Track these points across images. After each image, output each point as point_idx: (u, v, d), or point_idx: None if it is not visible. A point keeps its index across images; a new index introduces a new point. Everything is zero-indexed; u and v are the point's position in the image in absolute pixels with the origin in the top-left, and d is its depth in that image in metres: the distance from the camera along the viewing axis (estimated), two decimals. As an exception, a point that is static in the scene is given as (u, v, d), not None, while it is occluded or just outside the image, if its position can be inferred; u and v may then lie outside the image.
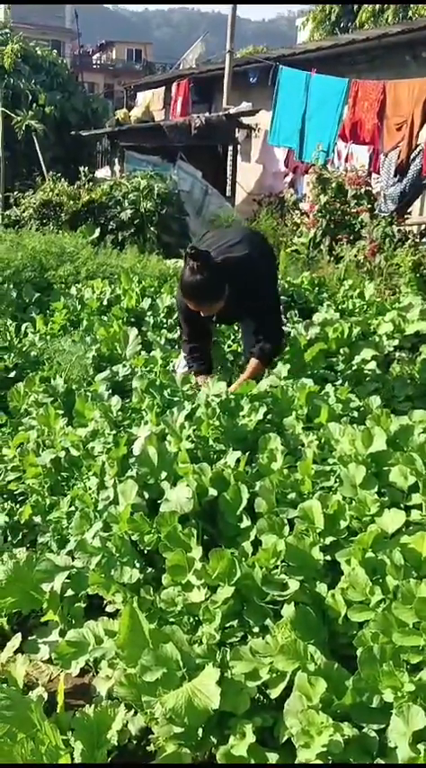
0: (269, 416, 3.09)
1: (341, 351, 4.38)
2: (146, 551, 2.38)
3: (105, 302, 5.67)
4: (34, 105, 11.35)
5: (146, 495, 2.53)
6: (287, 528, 2.23)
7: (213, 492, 2.36)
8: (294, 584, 2.02)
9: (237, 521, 2.31)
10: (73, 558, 2.43)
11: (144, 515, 2.34)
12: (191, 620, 2.16)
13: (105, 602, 2.45)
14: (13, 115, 10.42)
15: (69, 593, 2.41)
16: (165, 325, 5.20)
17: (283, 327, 4.13)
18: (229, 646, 2.06)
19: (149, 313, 5.37)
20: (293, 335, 4.39)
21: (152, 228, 9.05)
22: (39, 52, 13.06)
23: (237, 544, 2.28)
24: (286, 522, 2.26)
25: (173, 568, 2.16)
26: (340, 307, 5.50)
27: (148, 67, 39.82)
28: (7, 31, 12.58)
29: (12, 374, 4.51)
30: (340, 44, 11.11)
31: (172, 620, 2.15)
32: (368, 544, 2.10)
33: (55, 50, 14.43)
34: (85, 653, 2.16)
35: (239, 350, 4.38)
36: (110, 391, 3.63)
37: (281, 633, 1.94)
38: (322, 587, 2.06)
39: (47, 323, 5.26)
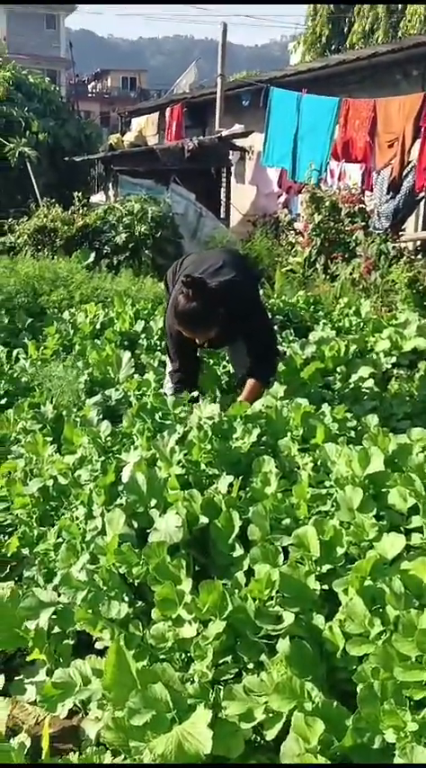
0: (263, 438, 3.00)
1: (338, 369, 4.30)
2: (135, 584, 2.27)
3: (98, 326, 5.59)
4: (27, 132, 11.39)
5: (136, 525, 2.43)
6: (281, 556, 2.12)
7: (204, 519, 2.26)
8: (289, 617, 1.91)
9: (230, 549, 2.20)
10: (59, 594, 2.31)
11: (132, 546, 2.23)
12: (183, 656, 2.05)
13: (94, 638, 2.33)
14: (5, 143, 10.44)
15: (56, 630, 2.30)
16: (159, 348, 5.12)
17: (277, 346, 4.06)
18: (223, 683, 1.94)
19: (143, 335, 5.30)
20: (289, 355, 4.31)
21: (147, 252, 9.02)
22: (31, 80, 13.16)
23: (230, 574, 2.18)
24: (280, 549, 2.15)
25: (163, 602, 2.05)
26: (336, 325, 5.43)
27: (143, 94, 40.34)
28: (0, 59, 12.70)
29: (2, 401, 4.42)
30: (330, 65, 11.16)
31: (162, 656, 2.04)
32: (367, 572, 2.00)
33: (48, 78, 14.52)
34: (72, 695, 2.04)
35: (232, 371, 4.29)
36: (101, 416, 3.54)
37: (277, 670, 1.84)
38: (319, 619, 1.95)
39: (39, 348, 5.18)
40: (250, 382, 3.55)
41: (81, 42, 63.14)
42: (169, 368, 3.86)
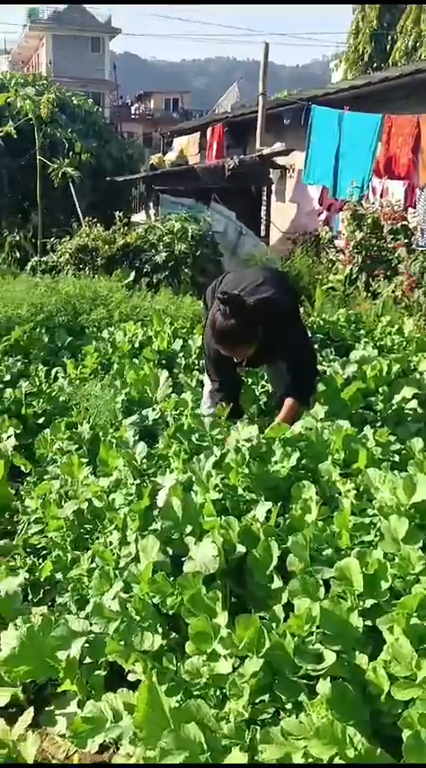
0: (303, 461, 2.89)
1: (381, 390, 4.17)
2: (169, 614, 2.19)
3: (137, 344, 5.57)
4: (71, 153, 11.55)
5: (170, 552, 2.35)
6: (322, 590, 2.02)
7: (241, 549, 2.17)
8: (330, 656, 1.80)
9: (268, 581, 2.11)
10: (91, 623, 2.24)
11: (166, 576, 2.15)
12: (218, 692, 1.96)
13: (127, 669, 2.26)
14: (49, 164, 10.60)
15: (88, 660, 2.23)
16: (197, 366, 5.06)
17: (317, 365, 3.97)
18: (259, 723, 1.84)
19: (181, 354, 5.25)
20: (329, 374, 4.20)
21: (186, 270, 9.01)
22: (75, 101, 13.37)
23: (268, 607, 2.08)
24: (321, 582, 2.05)
25: (198, 636, 1.96)
26: (378, 344, 5.29)
27: (185, 115, 40.78)
28: (44, 82, 12.93)
29: (41, 420, 4.42)
30: (373, 82, 11.06)
31: (196, 692, 1.95)
32: (413, 608, 1.88)
33: (91, 99, 14.74)
34: (103, 731, 1.97)
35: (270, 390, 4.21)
36: (138, 437, 3.48)
37: (317, 712, 1.73)
38: (362, 659, 1.84)
39: (77, 367, 5.18)
40: (288, 402, 3.46)
41: (125, 65, 64.32)
42: (208, 387, 3.80)
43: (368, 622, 1.95)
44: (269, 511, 2.37)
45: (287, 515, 2.50)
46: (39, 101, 10.50)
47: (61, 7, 45.01)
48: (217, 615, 1.97)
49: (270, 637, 1.84)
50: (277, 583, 2.10)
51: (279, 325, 3.28)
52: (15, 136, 10.66)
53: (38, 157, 10.54)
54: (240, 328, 3.13)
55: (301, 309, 4.53)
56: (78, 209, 10.83)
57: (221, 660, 1.96)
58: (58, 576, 2.78)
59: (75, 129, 12.47)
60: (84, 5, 45.47)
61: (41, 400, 4.51)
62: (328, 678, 1.76)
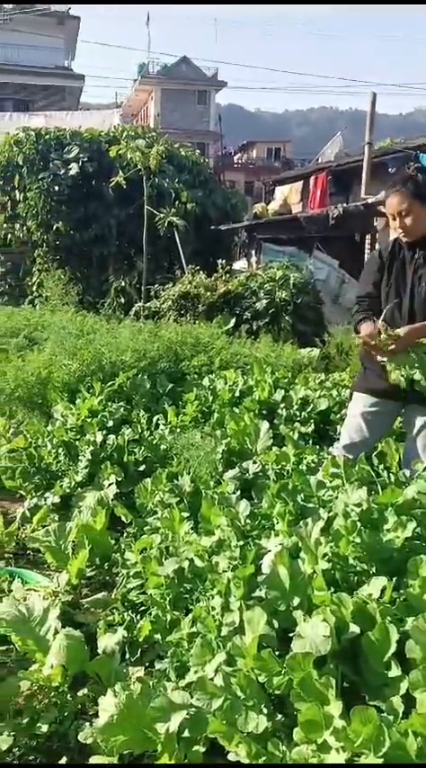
0: (417, 530, 2.70)
1: None
2: (274, 693, 2.05)
3: (237, 393, 5.52)
4: (177, 203, 11.89)
5: (276, 624, 2.21)
6: (447, 683, 1.82)
7: (355, 629, 2.01)
8: (458, 765, 1.61)
9: (384, 668, 1.93)
10: (192, 695, 2.13)
11: (273, 652, 2.02)
12: (327, 788, 1.79)
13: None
14: (156, 213, 10.93)
15: (186, 733, 2.11)
16: (298, 418, 4.94)
17: None
18: None
19: (282, 405, 5.15)
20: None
21: (286, 317, 8.97)
22: (183, 153, 13.82)
23: (384, 696, 1.90)
24: (445, 674, 1.85)
25: (307, 724, 1.81)
26: None
27: (287, 164, 41.40)
28: (153, 134, 13.46)
29: (141, 467, 4.41)
30: None
31: (303, 786, 1.80)
32: None
33: (198, 150, 15.20)
34: None
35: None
36: (239, 492, 3.39)
37: None
38: None
39: (178, 415, 5.17)
40: None
41: (230, 116, 66.27)
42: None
43: None
44: (383, 588, 2.20)
45: (402, 591, 2.31)
46: (149, 152, 10.89)
47: (169, 61, 47.06)
48: (329, 703, 1.81)
49: (390, 735, 1.66)
50: (395, 671, 1.92)
51: None
52: (125, 186, 11.08)
53: (145, 207, 10.88)
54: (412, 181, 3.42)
55: None
56: (182, 257, 11.07)
57: (332, 752, 1.80)
58: (157, 636, 2.70)
59: (181, 179, 12.87)
60: (191, 59, 47.27)
61: (142, 448, 4.51)
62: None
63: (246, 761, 1.93)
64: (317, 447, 4.41)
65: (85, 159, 13.11)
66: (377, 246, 12.34)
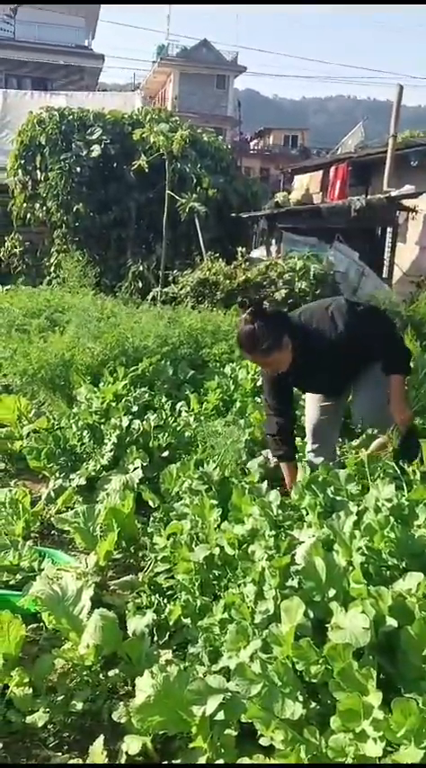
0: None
1: None
2: (309, 682, 2.09)
3: (259, 383, 5.54)
4: (198, 188, 11.86)
5: (311, 614, 2.25)
6: None
7: (392, 623, 2.05)
8: None
9: (423, 662, 1.96)
10: (228, 679, 2.17)
11: (310, 642, 2.06)
12: (363, 776, 1.83)
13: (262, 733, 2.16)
14: (178, 198, 10.90)
15: (220, 716, 2.16)
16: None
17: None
18: None
19: (302, 396, 5.17)
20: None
21: (306, 308, 8.96)
22: (205, 138, 13.76)
23: (420, 689, 1.93)
24: None
25: (346, 713, 1.85)
26: None
27: (304, 152, 41.08)
28: (177, 119, 13.40)
29: (165, 453, 4.45)
30: None
31: (340, 773, 1.84)
32: None
33: (220, 136, 15.16)
34: (238, 799, 1.88)
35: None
36: (267, 482, 3.43)
37: None
38: None
39: (201, 402, 5.20)
40: (393, 379, 3.40)
41: (246, 102, 65.76)
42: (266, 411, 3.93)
43: None
44: (419, 583, 2.23)
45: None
46: (173, 137, 10.85)
47: (189, 44, 46.74)
48: (368, 693, 1.85)
49: (431, 728, 1.70)
50: (432, 665, 1.96)
51: (352, 326, 3.36)
52: (147, 170, 11.05)
53: (167, 191, 10.86)
54: (256, 333, 3.27)
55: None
56: (201, 243, 11.05)
57: (369, 742, 1.83)
58: (185, 620, 2.74)
59: (203, 164, 12.82)
60: (212, 43, 46.92)
61: (166, 434, 4.54)
62: None
63: (282, 747, 1.98)
64: (340, 440, 4.46)
65: (108, 141, 13.08)
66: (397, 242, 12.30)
